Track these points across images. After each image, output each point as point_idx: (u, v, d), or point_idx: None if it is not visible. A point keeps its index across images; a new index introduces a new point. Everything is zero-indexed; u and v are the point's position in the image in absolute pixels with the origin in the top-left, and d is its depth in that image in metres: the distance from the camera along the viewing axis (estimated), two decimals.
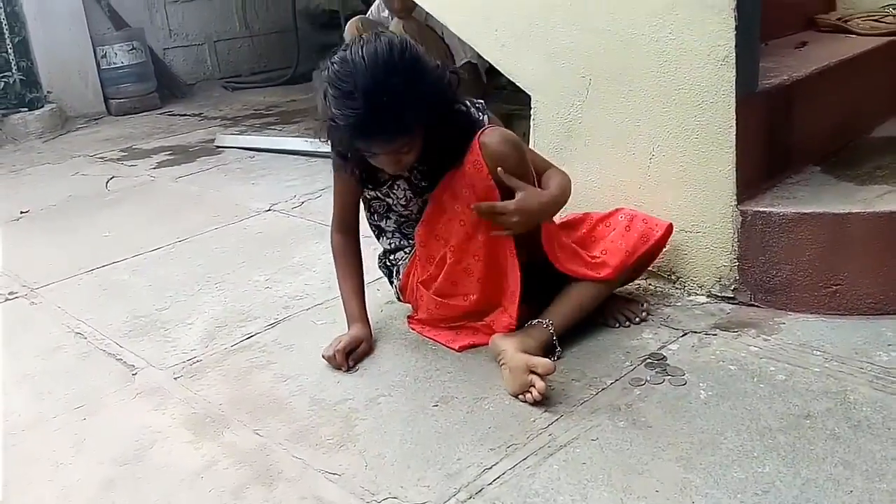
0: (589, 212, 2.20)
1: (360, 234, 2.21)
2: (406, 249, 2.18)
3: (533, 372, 1.77)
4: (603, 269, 2.03)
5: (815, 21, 3.05)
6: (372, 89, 1.75)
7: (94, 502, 1.61)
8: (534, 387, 1.76)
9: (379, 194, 2.10)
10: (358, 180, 2.07)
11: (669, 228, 2.10)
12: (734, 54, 2.00)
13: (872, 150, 2.53)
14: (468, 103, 2.03)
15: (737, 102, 2.03)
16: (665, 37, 2.10)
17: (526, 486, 1.52)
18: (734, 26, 1.98)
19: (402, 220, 2.16)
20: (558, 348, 1.96)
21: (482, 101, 2.06)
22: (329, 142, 1.98)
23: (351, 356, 2.02)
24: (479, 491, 1.53)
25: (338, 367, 2.01)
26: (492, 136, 1.90)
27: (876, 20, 2.92)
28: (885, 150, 2.52)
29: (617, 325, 2.10)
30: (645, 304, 2.16)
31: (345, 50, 1.83)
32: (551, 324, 1.95)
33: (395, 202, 2.10)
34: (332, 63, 1.83)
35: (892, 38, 2.80)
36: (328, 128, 1.91)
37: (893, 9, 2.91)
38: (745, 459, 1.54)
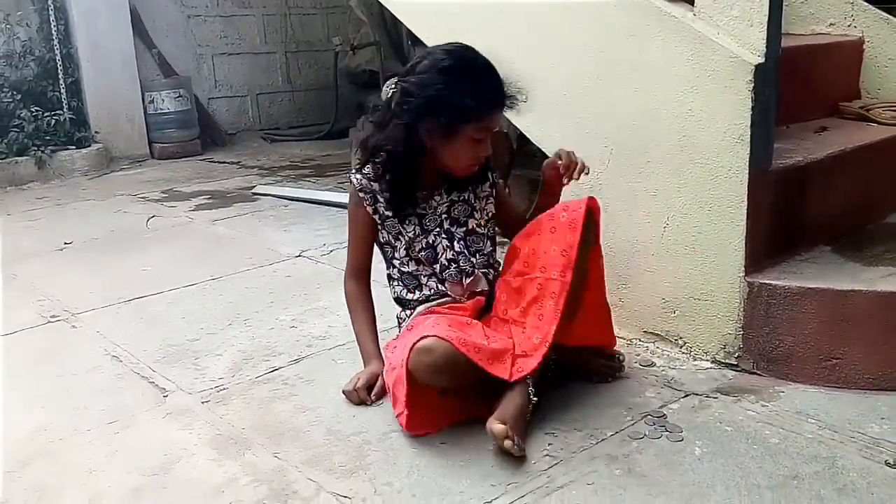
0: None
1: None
2: (410, 301, 2.24)
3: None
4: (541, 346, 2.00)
5: (839, 108, 3.13)
6: (485, 61, 2.04)
7: None
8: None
9: (390, 234, 2.19)
10: (388, 205, 2.16)
11: (590, 201, 2.09)
12: (749, 133, 2.13)
13: (884, 235, 2.61)
14: None
15: (749, 179, 2.15)
16: (685, 113, 2.23)
17: None
18: (751, 107, 2.11)
19: (406, 262, 2.22)
20: (534, 399, 1.98)
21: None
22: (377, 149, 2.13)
23: (371, 392, 2.13)
24: None
25: (360, 403, 2.12)
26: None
27: None
28: None
29: (598, 380, 2.21)
30: (621, 356, 2.26)
31: (430, 54, 2.09)
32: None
33: (403, 241, 2.19)
34: (428, 59, 2.06)
35: None
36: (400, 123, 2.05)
37: None
38: None
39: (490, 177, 2.27)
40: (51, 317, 2.86)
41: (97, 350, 2.56)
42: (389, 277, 2.27)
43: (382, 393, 2.14)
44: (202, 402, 2.18)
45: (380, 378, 2.16)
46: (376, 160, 2.14)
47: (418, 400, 1.94)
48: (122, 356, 2.50)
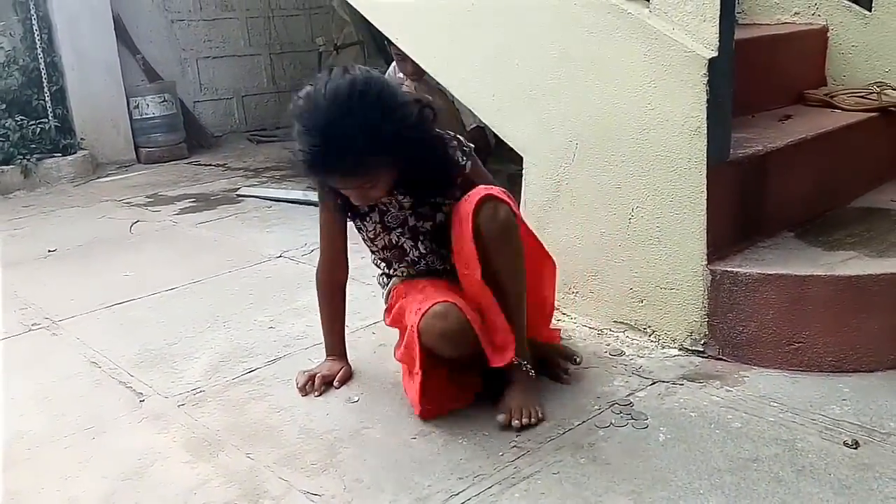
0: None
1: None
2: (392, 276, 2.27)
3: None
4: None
5: (804, 96, 3.17)
6: (327, 128, 1.80)
7: None
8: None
9: (357, 227, 2.19)
10: (339, 208, 2.12)
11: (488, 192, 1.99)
12: (706, 125, 2.17)
13: (847, 220, 2.66)
14: (455, 142, 2.07)
15: (708, 170, 2.19)
16: (644, 107, 2.27)
17: None
18: (706, 100, 2.15)
19: (374, 253, 2.25)
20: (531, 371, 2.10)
21: (471, 146, 2.11)
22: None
23: (323, 382, 2.23)
24: None
25: (305, 391, 2.22)
26: (485, 214, 1.95)
27: (861, 97, 3.04)
28: (859, 219, 2.65)
29: (559, 380, 2.22)
30: (578, 358, 2.25)
31: (311, 86, 1.87)
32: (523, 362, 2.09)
33: (365, 235, 2.21)
34: (298, 98, 1.87)
35: (874, 114, 2.93)
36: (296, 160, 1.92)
37: (878, 86, 3.06)
38: (691, 496, 1.68)
39: (455, 181, 2.08)
40: (32, 325, 2.90)
41: (77, 357, 2.60)
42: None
43: (342, 380, 2.25)
44: (178, 406, 2.22)
45: (340, 372, 2.25)
46: None
47: (432, 374, 2.02)
48: (100, 362, 2.54)
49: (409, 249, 2.18)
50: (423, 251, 2.18)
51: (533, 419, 1.99)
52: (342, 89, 1.82)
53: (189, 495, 1.80)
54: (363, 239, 2.24)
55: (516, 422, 1.97)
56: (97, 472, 1.91)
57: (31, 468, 1.96)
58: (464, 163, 2.08)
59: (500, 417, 1.98)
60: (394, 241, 2.18)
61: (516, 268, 2.04)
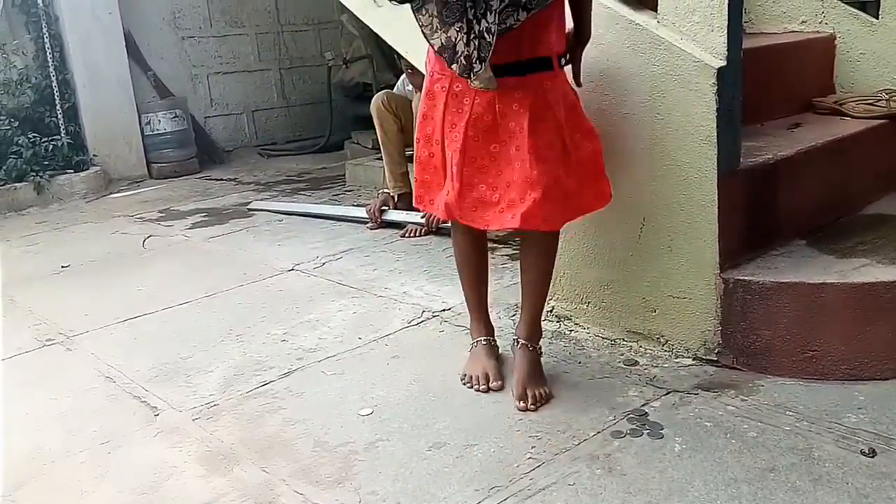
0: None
1: None
2: None
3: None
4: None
5: (813, 104, 3.17)
6: None
7: None
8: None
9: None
10: None
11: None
12: (716, 134, 2.17)
13: (859, 227, 2.64)
14: None
15: (718, 179, 2.20)
16: (654, 116, 2.28)
17: None
18: (715, 109, 2.16)
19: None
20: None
21: None
22: None
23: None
24: None
25: None
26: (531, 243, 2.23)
27: (870, 104, 3.04)
28: (871, 226, 2.64)
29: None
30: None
31: None
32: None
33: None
34: None
35: (883, 121, 2.93)
36: None
37: (886, 93, 3.05)
38: None
39: None
40: (46, 340, 2.92)
41: (91, 372, 2.61)
42: None
43: None
44: (193, 420, 2.22)
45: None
46: None
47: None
48: (115, 377, 2.55)
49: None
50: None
51: (540, 401, 2.14)
52: None
53: None
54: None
55: (521, 403, 2.13)
56: (113, 487, 1.92)
57: (47, 483, 1.97)
58: None
59: (518, 406, 2.14)
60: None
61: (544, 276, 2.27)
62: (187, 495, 1.86)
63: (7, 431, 2.25)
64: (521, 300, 2.30)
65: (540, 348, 2.29)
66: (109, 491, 1.91)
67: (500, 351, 2.41)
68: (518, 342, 2.27)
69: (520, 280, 2.29)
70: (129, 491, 1.90)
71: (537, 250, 2.23)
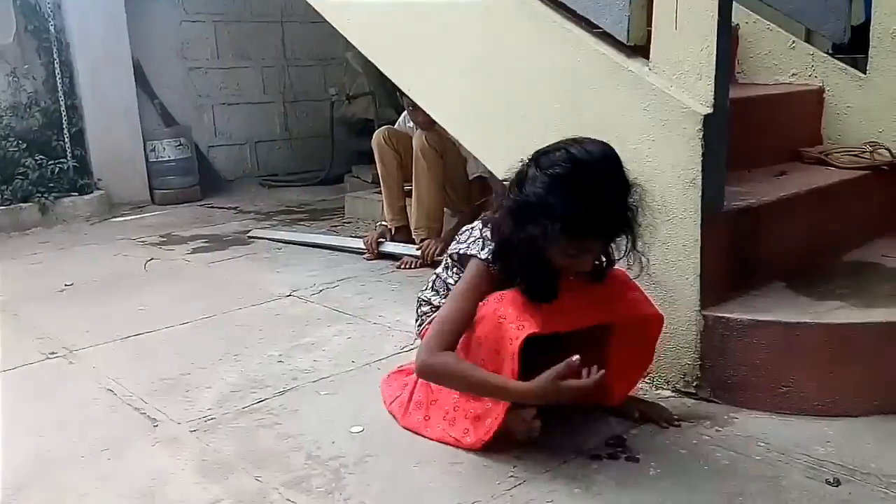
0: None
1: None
2: None
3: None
4: None
5: (800, 153, 3.28)
6: (601, 191, 1.90)
7: None
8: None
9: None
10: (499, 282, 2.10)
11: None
12: (700, 178, 2.28)
13: (838, 272, 2.74)
14: None
15: (702, 220, 2.31)
16: (642, 159, 2.38)
17: None
18: (701, 153, 2.27)
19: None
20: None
21: None
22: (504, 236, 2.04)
23: None
24: None
25: None
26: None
27: (855, 155, 3.15)
28: (849, 272, 2.74)
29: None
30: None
31: (563, 150, 1.93)
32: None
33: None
34: (564, 161, 1.91)
35: (866, 171, 3.04)
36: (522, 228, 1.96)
37: (870, 146, 3.17)
38: None
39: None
40: (49, 353, 3.00)
41: (93, 384, 2.70)
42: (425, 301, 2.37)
43: None
44: (190, 431, 2.31)
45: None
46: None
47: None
48: (116, 389, 2.64)
49: None
50: None
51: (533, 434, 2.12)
52: (608, 153, 1.96)
53: None
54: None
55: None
56: (113, 491, 2.01)
57: (49, 486, 2.05)
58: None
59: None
60: None
61: None
62: (184, 500, 1.95)
63: (11, 438, 2.33)
64: None
65: None
66: (109, 494, 1.99)
67: None
68: None
69: None
70: (128, 494, 1.98)
71: None
